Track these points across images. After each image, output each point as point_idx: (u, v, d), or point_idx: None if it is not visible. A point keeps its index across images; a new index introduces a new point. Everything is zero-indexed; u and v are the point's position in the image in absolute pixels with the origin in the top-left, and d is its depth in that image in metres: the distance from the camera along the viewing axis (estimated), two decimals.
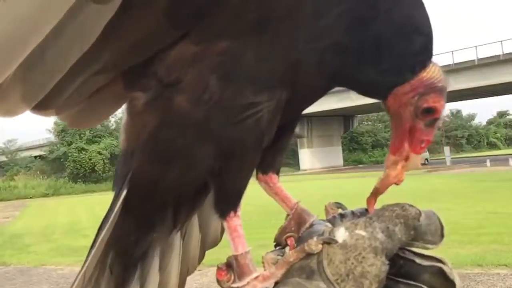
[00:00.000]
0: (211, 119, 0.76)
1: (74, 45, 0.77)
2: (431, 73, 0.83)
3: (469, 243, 6.84)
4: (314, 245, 0.76)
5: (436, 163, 38.64)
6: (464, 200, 11.59)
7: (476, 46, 35.02)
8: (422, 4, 0.84)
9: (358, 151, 53.81)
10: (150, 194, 0.83)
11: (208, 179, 0.81)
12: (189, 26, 0.76)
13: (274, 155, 0.92)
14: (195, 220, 1.01)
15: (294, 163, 46.02)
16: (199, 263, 1.05)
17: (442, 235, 0.78)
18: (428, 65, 0.83)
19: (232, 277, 0.80)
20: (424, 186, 16.72)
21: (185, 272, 1.00)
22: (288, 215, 0.90)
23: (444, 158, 37.05)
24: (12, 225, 14.45)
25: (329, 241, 0.75)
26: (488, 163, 29.32)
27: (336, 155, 46.36)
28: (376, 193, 0.83)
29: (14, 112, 0.82)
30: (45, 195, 33.89)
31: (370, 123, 59.13)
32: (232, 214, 0.81)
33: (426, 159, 41.36)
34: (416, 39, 0.82)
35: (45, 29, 0.74)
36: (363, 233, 0.74)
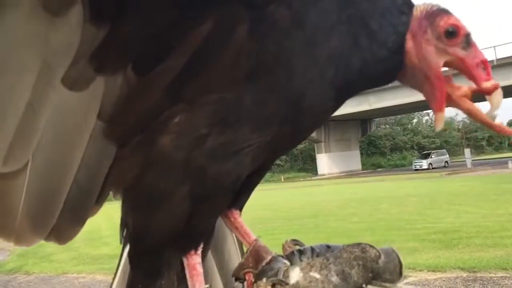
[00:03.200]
0: (193, 160, 0.77)
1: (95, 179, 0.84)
2: (422, 7, 0.83)
3: (492, 247, 6.71)
4: (263, 286, 0.77)
5: (457, 165, 38.14)
6: (486, 203, 11.39)
7: (494, 47, 34.73)
8: None
9: (376, 155, 53.37)
10: (144, 244, 0.84)
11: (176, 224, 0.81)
12: (185, 91, 0.78)
13: (240, 193, 0.91)
14: (212, 263, 1.01)
15: (312, 168, 45.86)
16: None
17: (400, 274, 0.77)
18: (414, 5, 0.83)
19: None
20: (444, 189, 16.51)
21: None
22: (247, 250, 0.90)
23: (465, 161, 36.50)
24: None
25: (279, 283, 0.76)
26: (510, 165, 28.77)
27: (354, 159, 46.04)
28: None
29: (30, 243, 0.88)
30: None
31: (387, 126, 58.65)
32: (192, 252, 0.82)
33: (446, 161, 40.87)
34: None
35: (72, 172, 0.82)
36: (317, 275, 0.74)
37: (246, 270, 0.86)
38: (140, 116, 0.79)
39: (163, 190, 0.78)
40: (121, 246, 0.90)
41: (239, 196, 0.92)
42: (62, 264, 8.69)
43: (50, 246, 11.38)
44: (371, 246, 0.76)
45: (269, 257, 0.85)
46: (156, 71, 0.77)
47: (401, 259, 0.76)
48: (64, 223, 0.85)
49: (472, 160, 36.63)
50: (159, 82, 0.77)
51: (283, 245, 0.88)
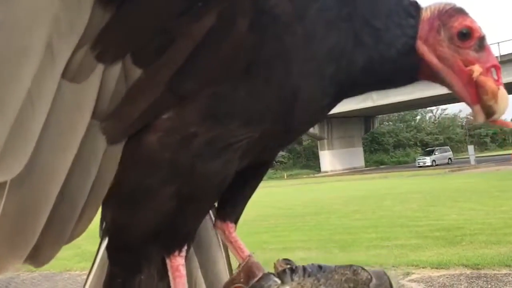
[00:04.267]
0: (180, 159, 0.75)
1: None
2: (433, 7, 0.81)
3: (496, 243, 6.69)
4: None
5: (460, 162, 38.01)
6: (490, 200, 11.36)
7: (498, 43, 34.45)
8: None
9: (379, 151, 53.27)
10: (124, 240, 0.82)
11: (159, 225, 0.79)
12: (183, 86, 0.75)
13: (235, 204, 0.92)
14: (196, 265, 1.01)
15: (315, 165, 45.82)
16: None
17: None
18: (422, 6, 0.81)
19: None
20: (448, 186, 16.47)
21: None
22: (239, 265, 0.91)
23: (468, 157, 36.37)
24: None
25: None
26: None
27: (357, 156, 45.97)
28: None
29: (3, 269, 0.77)
30: None
31: (391, 123, 58.52)
32: (176, 253, 0.81)
33: (450, 158, 40.76)
34: None
35: (60, 181, 0.73)
36: None
37: (237, 285, 0.86)
38: (142, 112, 0.77)
39: (148, 189, 0.76)
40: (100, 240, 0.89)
41: (234, 208, 0.92)
42: (65, 261, 8.70)
43: None
44: (363, 268, 0.76)
45: (260, 273, 0.85)
46: (157, 64, 0.74)
47: (392, 282, 0.76)
48: (44, 242, 0.76)
49: (476, 157, 36.51)
50: (161, 77, 0.75)
51: (274, 264, 0.88)
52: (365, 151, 49.40)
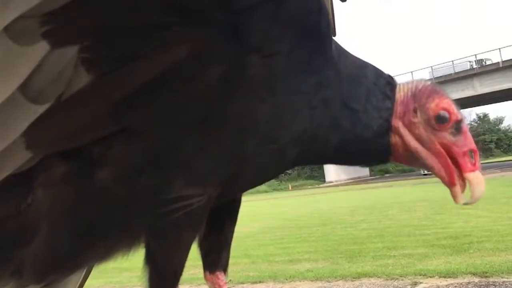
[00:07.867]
0: (138, 199, 0.73)
1: None
2: (406, 88, 0.81)
3: (504, 251, 6.63)
4: None
5: None
6: (497, 206, 11.27)
7: (499, 49, 34.41)
8: (347, 52, 0.82)
9: None
10: (66, 259, 0.81)
11: (143, 263, 0.79)
12: (130, 116, 0.72)
13: (220, 251, 0.90)
14: None
15: (320, 176, 45.70)
16: None
17: None
18: (397, 85, 0.81)
19: None
20: None
21: None
22: None
23: None
24: None
25: None
26: None
27: None
28: None
29: None
30: None
31: None
32: None
33: None
34: (367, 71, 0.80)
35: None
36: None
37: None
38: (76, 128, 0.72)
39: (106, 222, 0.75)
40: None
41: (219, 256, 0.90)
42: None
43: None
44: None
45: None
46: (108, 77, 0.69)
47: None
48: None
49: (481, 163, 36.26)
50: (107, 93, 0.70)
51: None
52: None
